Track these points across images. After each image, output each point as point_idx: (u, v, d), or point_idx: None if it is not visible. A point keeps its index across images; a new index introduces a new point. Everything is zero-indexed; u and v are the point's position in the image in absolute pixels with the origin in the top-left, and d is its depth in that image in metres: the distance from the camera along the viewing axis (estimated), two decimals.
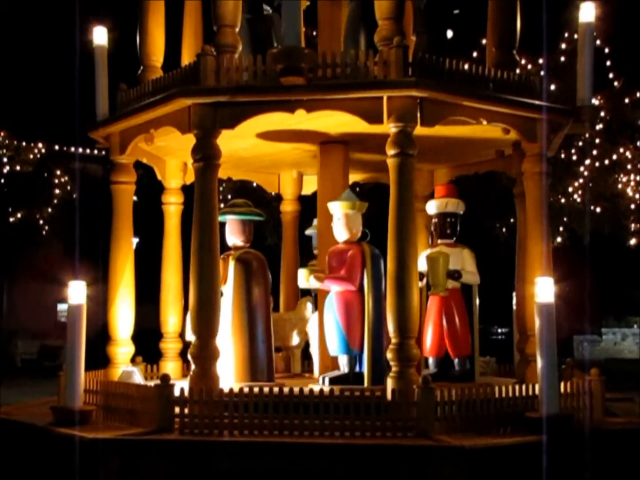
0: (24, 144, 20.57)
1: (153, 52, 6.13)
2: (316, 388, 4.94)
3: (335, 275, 5.60)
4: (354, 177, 7.22)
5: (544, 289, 4.84)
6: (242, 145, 6.11)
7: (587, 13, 5.74)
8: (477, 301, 6.13)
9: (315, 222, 6.63)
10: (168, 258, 6.69)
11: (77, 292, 5.22)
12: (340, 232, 5.64)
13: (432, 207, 6.20)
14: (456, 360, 5.99)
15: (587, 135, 14.16)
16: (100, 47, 6.17)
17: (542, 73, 14.80)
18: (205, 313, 5.18)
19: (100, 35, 6.21)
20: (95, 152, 21.84)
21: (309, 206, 7.74)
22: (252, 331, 5.82)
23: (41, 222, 20.57)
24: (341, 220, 5.62)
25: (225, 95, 5.13)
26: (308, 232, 7.05)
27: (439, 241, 6.16)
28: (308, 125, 5.55)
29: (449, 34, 6.20)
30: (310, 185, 7.26)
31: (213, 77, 5.17)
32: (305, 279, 6.12)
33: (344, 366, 5.57)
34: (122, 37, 6.87)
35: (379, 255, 5.53)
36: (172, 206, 6.72)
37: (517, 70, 5.72)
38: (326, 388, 4.90)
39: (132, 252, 6.16)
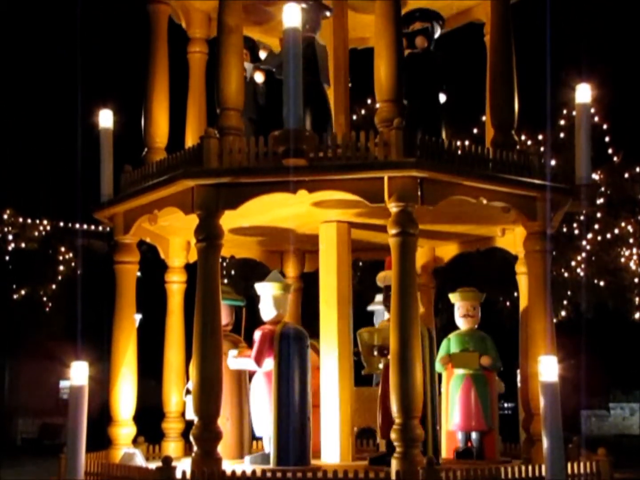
0: (29, 221, 20.73)
1: (157, 134, 6.23)
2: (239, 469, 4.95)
3: (244, 355, 5.79)
4: (356, 254, 7.25)
5: (547, 368, 4.82)
6: (244, 224, 6.17)
7: (583, 94, 5.86)
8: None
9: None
10: (171, 337, 6.68)
11: (79, 373, 5.20)
12: (267, 312, 5.79)
13: (382, 280, 5.91)
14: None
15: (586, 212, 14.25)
16: (106, 129, 6.30)
17: (542, 149, 15.03)
18: (207, 393, 5.15)
19: (106, 118, 6.34)
20: (100, 228, 21.97)
21: (312, 283, 7.78)
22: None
23: (44, 298, 20.59)
24: (269, 300, 5.75)
25: (227, 177, 5.21)
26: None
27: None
28: (310, 205, 5.61)
29: (442, 98, 6.23)
30: (313, 263, 7.29)
31: (216, 159, 5.25)
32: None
33: (266, 446, 5.65)
34: (127, 118, 6.99)
35: (295, 335, 5.60)
36: (175, 285, 6.74)
37: (518, 147, 5.80)
38: (248, 469, 4.95)
39: (134, 332, 6.17)
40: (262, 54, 6.65)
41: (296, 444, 5.45)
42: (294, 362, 5.55)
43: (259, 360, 5.63)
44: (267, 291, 5.80)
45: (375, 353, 5.73)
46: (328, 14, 6.26)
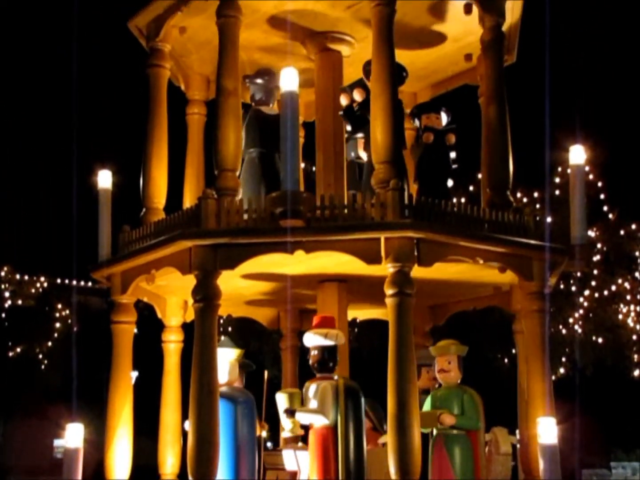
0: (26, 277, 20.74)
1: (155, 194, 6.27)
2: None
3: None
4: (353, 313, 7.26)
5: (546, 430, 4.80)
6: (242, 284, 6.18)
7: (577, 155, 5.93)
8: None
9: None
10: (167, 396, 6.63)
11: (74, 435, 5.16)
12: (221, 376, 5.65)
13: (310, 340, 5.61)
14: None
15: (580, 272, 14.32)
16: (105, 190, 6.35)
17: (537, 206, 15.14)
18: (203, 454, 5.11)
19: (105, 179, 6.39)
20: (97, 285, 21.93)
21: None
22: None
23: (40, 356, 20.48)
24: (224, 366, 5.71)
25: (225, 237, 5.24)
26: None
27: (318, 375, 5.57)
28: (307, 265, 5.63)
29: (450, 182, 6.37)
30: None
31: (214, 220, 5.28)
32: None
33: None
34: (126, 179, 7.06)
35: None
36: (172, 344, 6.71)
37: (514, 204, 5.85)
38: None
39: (130, 392, 6.13)
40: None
41: None
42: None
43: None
44: (225, 356, 5.74)
45: (283, 415, 5.56)
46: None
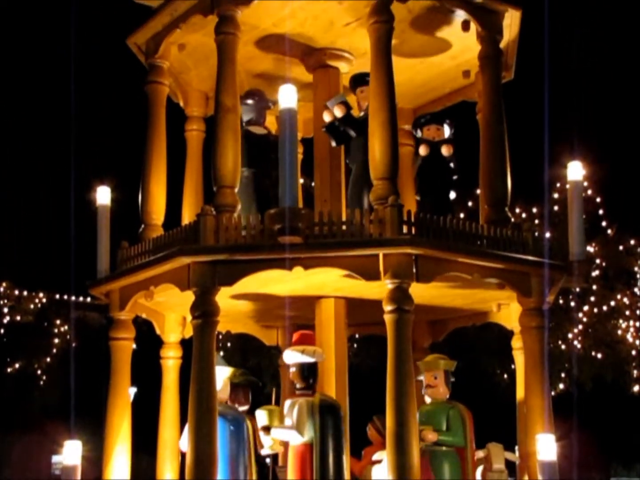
0: (25, 293, 20.70)
1: (154, 210, 6.27)
2: None
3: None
4: (352, 329, 7.24)
5: (545, 447, 4.78)
6: (241, 300, 6.18)
7: (575, 172, 5.94)
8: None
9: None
10: (165, 413, 6.61)
11: (72, 452, 5.15)
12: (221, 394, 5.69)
13: (289, 357, 5.65)
14: None
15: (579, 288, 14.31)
16: (103, 206, 6.35)
17: (536, 221, 15.15)
18: (203, 470, 5.08)
19: (103, 195, 6.39)
20: (96, 300, 21.88)
21: None
22: None
23: (39, 372, 20.42)
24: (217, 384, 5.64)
25: (223, 254, 5.24)
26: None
27: (297, 392, 5.60)
28: (306, 281, 5.63)
29: (452, 195, 6.41)
30: None
31: (212, 236, 5.28)
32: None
33: None
34: (125, 195, 7.07)
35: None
36: (171, 360, 6.70)
37: (512, 219, 5.86)
38: None
39: (129, 409, 6.11)
40: None
41: None
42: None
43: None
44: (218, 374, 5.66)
45: (261, 432, 5.60)
46: (271, 105, 6.49)
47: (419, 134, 6.58)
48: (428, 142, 6.40)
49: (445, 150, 6.33)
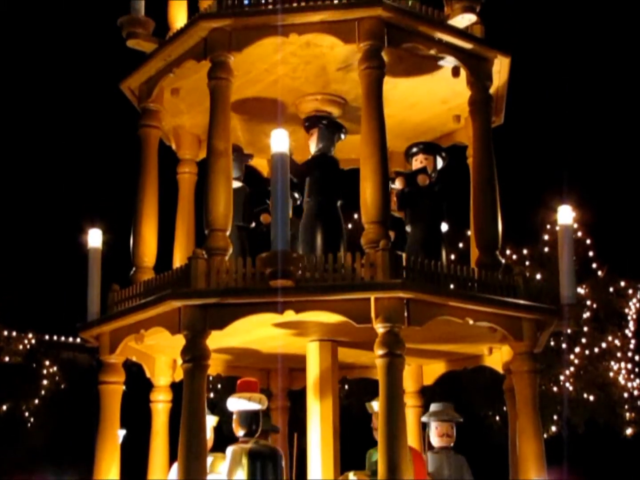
0: (14, 334, 20.54)
1: (145, 253, 6.26)
2: None
3: None
4: (343, 372, 7.21)
5: None
6: (231, 343, 6.15)
7: (565, 216, 5.97)
8: None
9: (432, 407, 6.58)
10: (155, 458, 6.53)
11: None
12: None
13: (233, 404, 5.75)
14: None
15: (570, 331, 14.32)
16: (94, 249, 6.34)
17: (527, 263, 15.19)
18: None
19: (94, 237, 6.38)
20: (86, 342, 21.71)
21: (298, 401, 7.72)
22: None
23: (27, 414, 20.18)
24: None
25: (214, 298, 5.23)
26: (424, 419, 6.99)
27: (241, 439, 5.70)
28: (297, 324, 5.62)
29: (444, 227, 6.42)
30: (299, 381, 7.23)
31: (203, 280, 5.28)
32: None
33: None
34: (116, 237, 7.07)
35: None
36: (161, 404, 6.64)
37: (503, 262, 5.87)
38: None
39: (117, 454, 6.06)
40: None
41: None
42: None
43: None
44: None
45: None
46: (250, 160, 6.80)
47: (412, 163, 6.56)
48: (403, 174, 6.40)
49: (420, 180, 6.31)
